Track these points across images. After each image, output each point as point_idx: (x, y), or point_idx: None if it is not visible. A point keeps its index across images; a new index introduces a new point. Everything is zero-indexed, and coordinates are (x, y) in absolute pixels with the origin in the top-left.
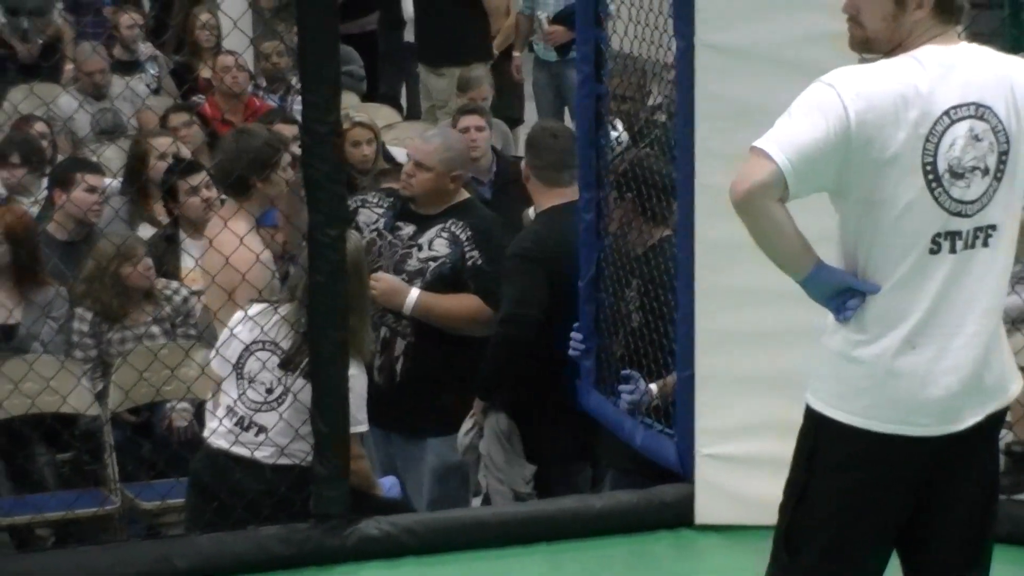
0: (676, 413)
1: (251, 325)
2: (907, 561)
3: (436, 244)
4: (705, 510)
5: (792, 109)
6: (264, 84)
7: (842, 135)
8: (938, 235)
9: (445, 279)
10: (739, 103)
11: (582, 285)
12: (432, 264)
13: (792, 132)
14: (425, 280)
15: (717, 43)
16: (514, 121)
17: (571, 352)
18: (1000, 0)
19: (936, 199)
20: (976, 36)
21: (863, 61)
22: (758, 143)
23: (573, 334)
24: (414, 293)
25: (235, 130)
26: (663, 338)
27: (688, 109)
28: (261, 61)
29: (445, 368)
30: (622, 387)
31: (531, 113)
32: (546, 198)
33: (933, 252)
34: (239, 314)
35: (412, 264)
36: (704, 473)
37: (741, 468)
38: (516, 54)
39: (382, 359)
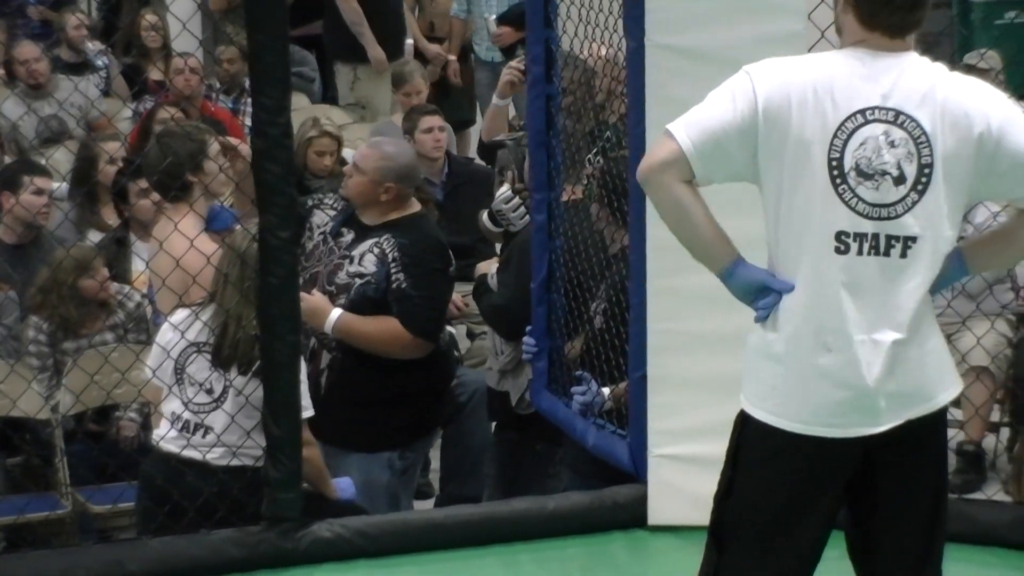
0: (629, 414)
1: (184, 329)
2: (859, 565)
3: (365, 260)
4: (658, 511)
5: (708, 95)
6: (218, 87)
7: (750, 119)
8: (843, 233)
9: (369, 299)
10: (691, 103)
11: (534, 287)
12: (358, 281)
13: (700, 115)
14: (349, 297)
15: (668, 44)
16: (465, 123)
17: (524, 355)
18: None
19: (840, 195)
20: (925, 35)
21: None
22: (668, 125)
23: (525, 338)
24: (334, 314)
25: (156, 135)
26: (625, 343)
27: (639, 109)
28: (215, 66)
29: (370, 386)
30: (574, 388)
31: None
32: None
33: (840, 251)
34: (165, 325)
35: (341, 277)
36: (657, 474)
37: (694, 468)
38: (452, 57)
39: (309, 368)
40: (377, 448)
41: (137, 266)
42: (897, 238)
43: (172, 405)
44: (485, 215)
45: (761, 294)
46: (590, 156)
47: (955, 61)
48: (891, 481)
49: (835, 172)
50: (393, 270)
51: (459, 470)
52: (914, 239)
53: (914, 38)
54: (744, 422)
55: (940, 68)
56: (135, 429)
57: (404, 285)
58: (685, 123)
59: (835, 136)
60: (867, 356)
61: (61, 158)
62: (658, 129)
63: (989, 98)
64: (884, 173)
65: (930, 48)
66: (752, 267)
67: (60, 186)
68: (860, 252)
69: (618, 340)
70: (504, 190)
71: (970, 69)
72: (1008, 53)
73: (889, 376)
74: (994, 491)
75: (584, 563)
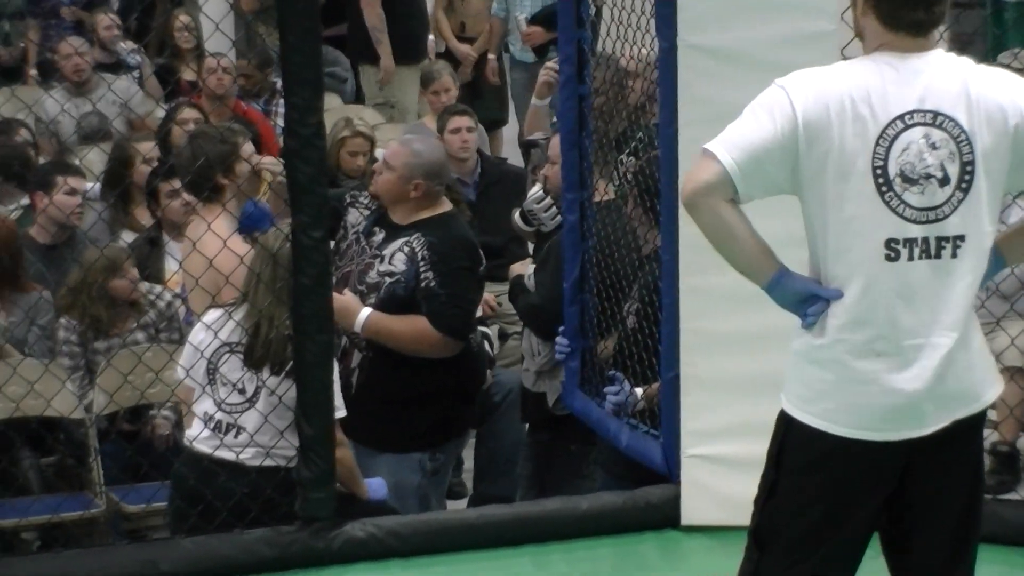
0: (661, 414)
1: (217, 329)
2: (893, 563)
3: (396, 259)
4: (691, 511)
5: (744, 111)
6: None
7: (790, 135)
8: (893, 240)
9: (398, 298)
10: (722, 104)
11: (566, 287)
12: (388, 280)
13: (740, 133)
14: (379, 296)
15: (699, 44)
16: (497, 123)
17: (556, 355)
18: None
19: (887, 203)
20: (959, 35)
21: (844, 58)
22: (707, 145)
23: (558, 338)
24: (364, 313)
25: (188, 136)
26: (658, 343)
27: (671, 110)
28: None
29: (400, 385)
30: (607, 388)
31: (513, 114)
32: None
33: (890, 259)
34: (197, 325)
35: (372, 276)
36: (690, 474)
37: (726, 469)
38: (491, 56)
39: (340, 368)
40: (407, 449)
41: (170, 266)
42: (947, 239)
43: (205, 405)
44: (517, 214)
45: (807, 302)
46: (622, 156)
47: (989, 61)
48: (929, 480)
49: (880, 180)
50: (422, 269)
51: (492, 470)
52: (962, 238)
53: (948, 38)
54: (788, 426)
55: (968, 63)
56: (169, 427)
57: (432, 284)
58: (725, 142)
59: (877, 144)
60: (920, 361)
61: (94, 158)
62: (690, 129)
63: (1020, 90)
64: (929, 176)
65: (964, 48)
66: (797, 276)
67: (93, 186)
68: (911, 258)
69: (651, 340)
70: (536, 190)
71: (1004, 69)
72: None
73: (940, 380)
74: None
75: (616, 563)
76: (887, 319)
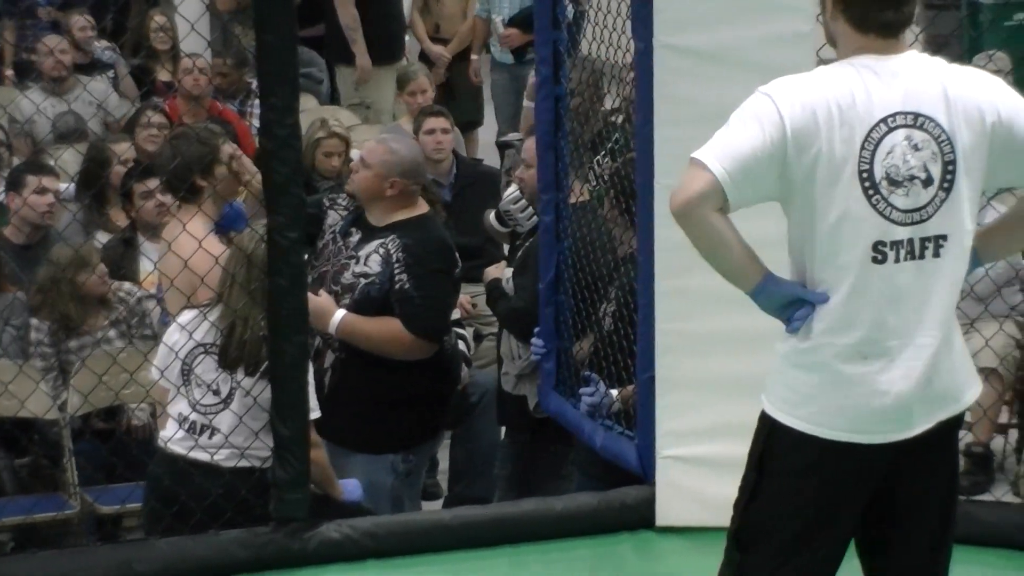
0: (637, 415)
1: (191, 330)
2: (868, 564)
3: (371, 260)
4: (666, 512)
5: (731, 119)
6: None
7: (779, 143)
8: (880, 243)
9: (373, 300)
10: (698, 104)
11: (542, 288)
12: (362, 281)
13: (729, 142)
14: (354, 297)
15: (676, 44)
16: (472, 124)
17: (532, 356)
18: (957, 2)
19: (874, 206)
20: (934, 37)
21: (821, 61)
22: (696, 154)
23: (534, 339)
24: (338, 315)
25: (168, 137)
26: (634, 345)
27: (647, 110)
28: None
29: (374, 387)
30: (582, 389)
31: (490, 115)
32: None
33: (877, 261)
34: (172, 325)
35: (347, 277)
36: (665, 475)
37: (702, 470)
38: (474, 57)
39: (314, 368)
40: (380, 450)
41: (145, 267)
42: (929, 239)
43: (179, 406)
44: (492, 215)
45: (792, 306)
46: (598, 158)
47: (964, 63)
48: (913, 482)
49: (867, 184)
50: (396, 271)
51: (469, 470)
52: (944, 237)
53: (923, 40)
54: (772, 429)
55: (943, 63)
56: (144, 419)
57: (406, 286)
58: (714, 152)
59: (863, 148)
60: (906, 363)
61: (69, 159)
62: (666, 129)
63: (995, 88)
64: (913, 178)
65: (939, 50)
66: (782, 281)
67: (68, 187)
68: (897, 259)
69: (626, 341)
70: (512, 190)
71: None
72: (1017, 54)
73: (927, 381)
74: (1002, 492)
75: (591, 564)
76: (874, 321)
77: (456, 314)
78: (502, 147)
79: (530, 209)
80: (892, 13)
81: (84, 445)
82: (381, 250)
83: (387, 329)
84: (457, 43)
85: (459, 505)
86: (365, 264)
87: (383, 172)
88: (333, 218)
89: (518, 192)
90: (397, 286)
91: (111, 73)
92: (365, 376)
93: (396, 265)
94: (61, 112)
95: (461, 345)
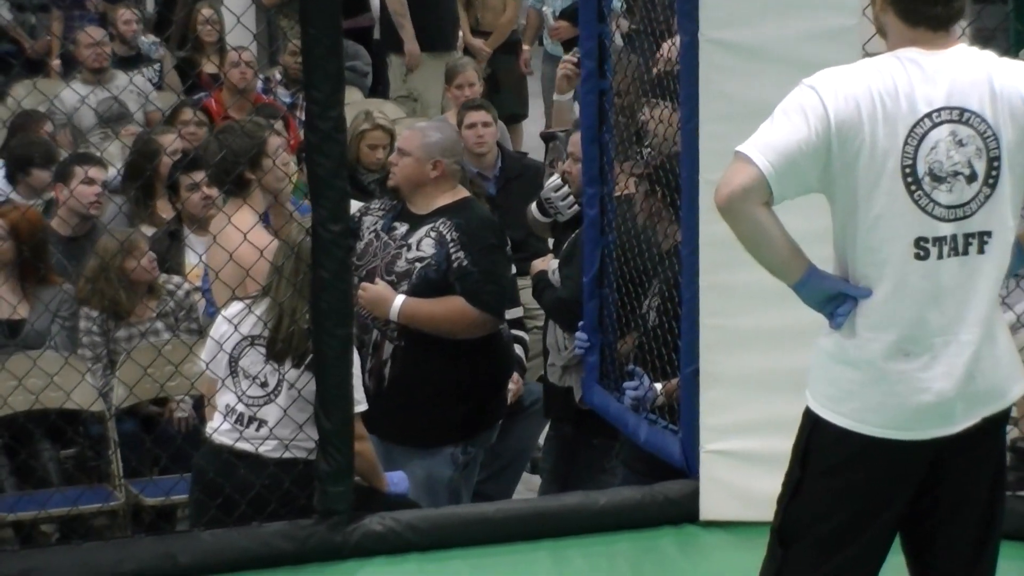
0: (681, 409)
1: (238, 322)
2: (913, 560)
3: (424, 244)
4: (710, 506)
5: (775, 113)
6: (278, 78)
7: (823, 135)
8: (922, 239)
9: (431, 281)
10: (743, 99)
11: (586, 281)
12: (418, 265)
13: (774, 135)
14: (411, 282)
15: (721, 39)
16: (516, 117)
17: (576, 349)
18: None
19: (916, 202)
20: (981, 31)
21: (866, 55)
22: (740, 148)
23: (578, 332)
24: (398, 300)
25: (215, 131)
26: (678, 338)
27: (692, 105)
28: (286, 56)
29: (435, 374)
30: (626, 383)
31: (538, 108)
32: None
33: (920, 257)
34: (219, 318)
35: (401, 265)
36: (709, 469)
37: (746, 464)
38: (526, 48)
39: (372, 362)
40: (441, 442)
41: (190, 260)
42: (973, 235)
43: (226, 398)
44: (534, 205)
45: (835, 301)
46: (641, 151)
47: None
48: (956, 479)
49: (909, 179)
50: (452, 250)
51: (490, 464)
52: (988, 234)
53: (970, 34)
54: (815, 425)
55: (989, 56)
56: (188, 410)
57: (465, 263)
58: (759, 145)
59: (906, 143)
60: (948, 359)
61: (115, 151)
62: (711, 125)
63: None
64: (957, 174)
65: (986, 44)
66: (825, 275)
67: (115, 177)
68: (940, 256)
69: (670, 336)
70: (554, 179)
71: None
72: None
73: (969, 378)
74: None
75: (634, 558)
76: (917, 318)
77: (518, 312)
78: (546, 138)
79: (571, 198)
80: (942, 7)
81: (129, 436)
82: (433, 233)
83: (450, 307)
84: (497, 36)
85: (480, 499)
86: (418, 249)
87: (423, 155)
88: (371, 221)
89: (559, 180)
90: (455, 264)
91: (157, 67)
92: (426, 363)
93: (451, 245)
94: (104, 98)
95: (518, 350)
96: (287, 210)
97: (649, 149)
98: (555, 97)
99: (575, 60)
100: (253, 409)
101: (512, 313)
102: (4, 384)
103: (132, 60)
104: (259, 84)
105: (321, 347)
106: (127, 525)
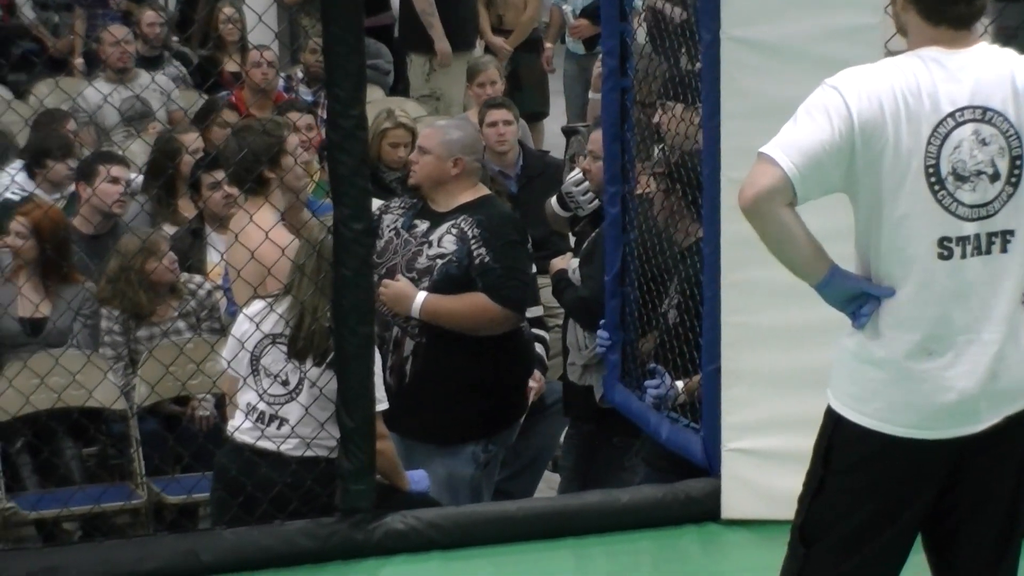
0: (702, 408)
1: (259, 320)
2: (936, 558)
3: (445, 241)
4: (731, 505)
5: (798, 113)
6: (299, 77)
7: (847, 136)
8: (946, 239)
9: (453, 278)
10: (765, 97)
11: (607, 280)
12: (439, 262)
13: (797, 136)
14: (432, 279)
15: (743, 37)
16: (538, 115)
17: (598, 348)
18: None
19: (939, 202)
20: (1003, 29)
21: (888, 54)
22: (764, 149)
23: (599, 331)
24: (420, 297)
25: (233, 130)
26: (699, 336)
27: (714, 103)
28: (306, 54)
29: (456, 371)
30: (648, 382)
31: (560, 106)
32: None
33: (943, 257)
34: (240, 316)
35: (422, 262)
36: (731, 468)
37: (767, 463)
38: (548, 45)
39: (393, 359)
40: (463, 440)
41: (212, 258)
42: (996, 234)
43: (247, 396)
44: (554, 199)
45: (858, 300)
46: (661, 149)
47: None
48: (979, 478)
49: (933, 179)
50: (474, 246)
51: (512, 462)
52: (1011, 232)
53: (992, 32)
54: (837, 424)
55: (1011, 54)
56: (210, 408)
57: (487, 259)
58: (783, 146)
59: (929, 143)
60: (972, 358)
61: (138, 150)
62: (732, 122)
63: None
64: (980, 173)
65: (1008, 41)
66: (848, 275)
67: (136, 177)
68: (964, 255)
69: (691, 334)
70: (575, 173)
71: None
72: None
73: (993, 377)
74: None
75: (656, 556)
76: (940, 318)
77: (538, 311)
78: (568, 133)
79: (591, 193)
80: (964, 6)
81: (151, 434)
82: (454, 230)
83: (472, 303)
84: (518, 34)
85: (500, 496)
86: (439, 246)
87: (443, 153)
88: (390, 219)
89: (580, 175)
90: (477, 260)
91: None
92: (447, 360)
93: (473, 241)
94: (127, 96)
95: (539, 348)
96: (302, 208)
97: (664, 147)
98: (591, 95)
99: None
100: (275, 407)
101: (533, 311)
102: (27, 382)
103: (154, 60)
104: (281, 82)
105: (343, 345)
106: (149, 523)
